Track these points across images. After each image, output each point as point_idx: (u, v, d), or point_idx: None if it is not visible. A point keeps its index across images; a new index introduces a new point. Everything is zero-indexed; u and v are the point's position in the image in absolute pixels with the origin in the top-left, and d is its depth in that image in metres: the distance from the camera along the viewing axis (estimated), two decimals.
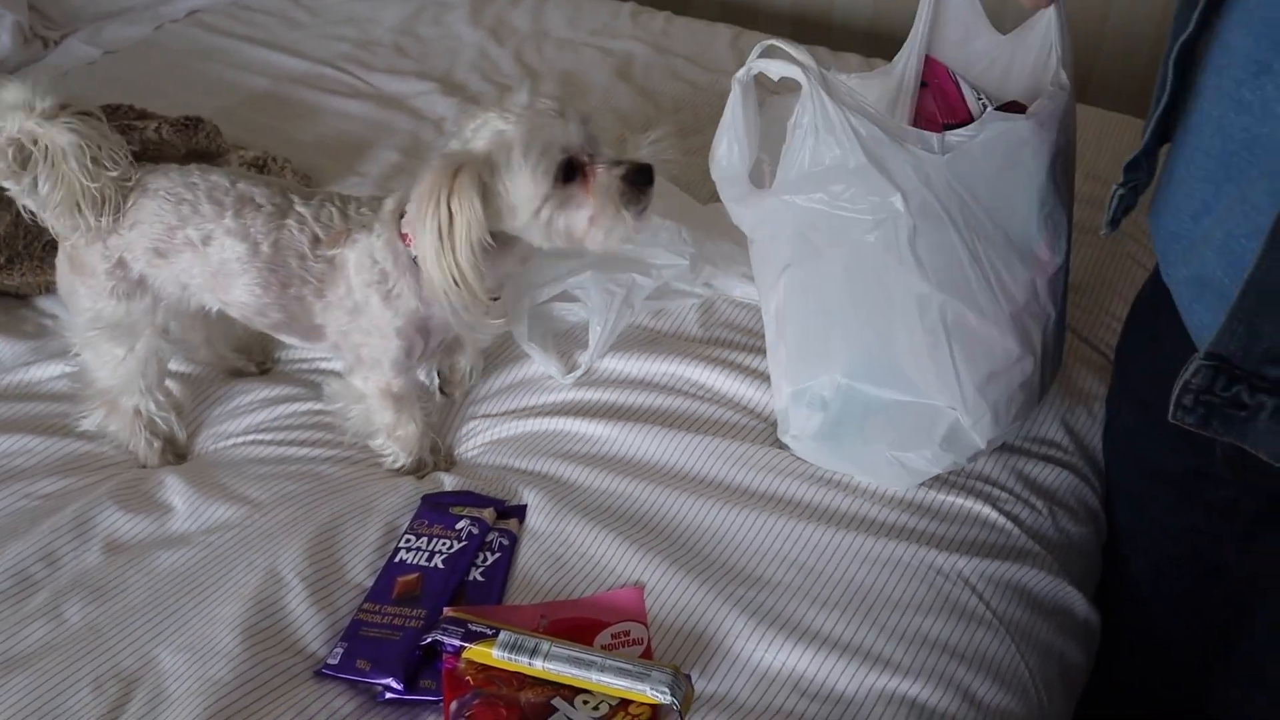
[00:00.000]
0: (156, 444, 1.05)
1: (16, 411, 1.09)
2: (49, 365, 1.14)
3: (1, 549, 0.93)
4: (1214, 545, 0.85)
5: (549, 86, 1.71)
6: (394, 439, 1.02)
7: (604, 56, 1.79)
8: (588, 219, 0.91)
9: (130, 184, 0.97)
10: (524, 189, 0.88)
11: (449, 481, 1.01)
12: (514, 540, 0.93)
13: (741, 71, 0.90)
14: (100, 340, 1.01)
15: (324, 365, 1.16)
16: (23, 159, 0.91)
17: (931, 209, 0.82)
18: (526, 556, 0.93)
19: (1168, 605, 0.95)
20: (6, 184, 0.93)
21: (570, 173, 0.90)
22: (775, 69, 0.85)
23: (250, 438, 1.08)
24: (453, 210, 0.86)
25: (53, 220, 0.94)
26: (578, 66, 1.76)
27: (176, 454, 1.07)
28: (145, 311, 1.00)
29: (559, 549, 0.93)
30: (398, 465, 1.03)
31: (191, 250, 0.96)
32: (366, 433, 1.04)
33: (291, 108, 1.65)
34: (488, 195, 0.88)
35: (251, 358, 1.16)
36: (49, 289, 1.26)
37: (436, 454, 1.06)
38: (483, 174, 0.88)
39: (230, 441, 1.08)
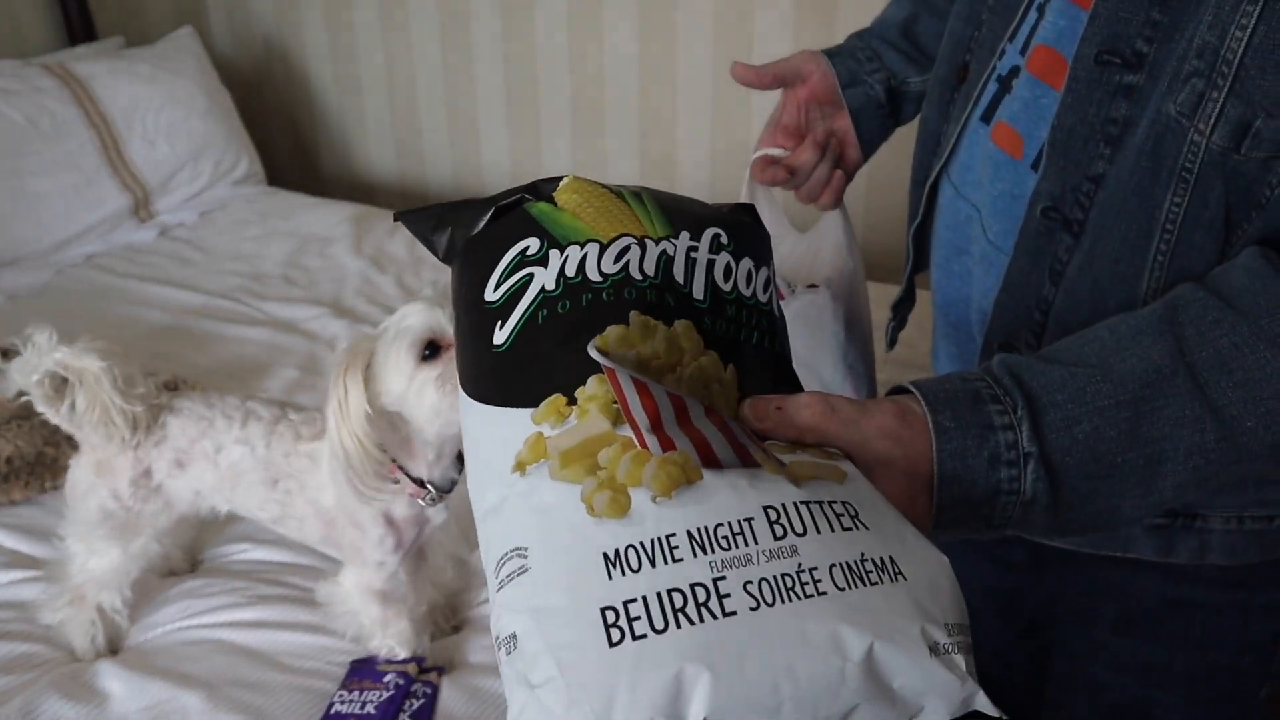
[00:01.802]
0: (101, 639, 1.14)
1: None
2: None
3: None
4: (1020, 600, 0.98)
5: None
6: (389, 636, 1.10)
7: None
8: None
9: (161, 404, 1.11)
10: (392, 366, 0.99)
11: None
12: (436, 689, 1.06)
13: None
14: (100, 537, 1.12)
15: (257, 557, 1.28)
16: (56, 386, 1.05)
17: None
18: (448, 700, 1.05)
19: (993, 659, 1.07)
20: (45, 410, 1.06)
21: (434, 353, 0.98)
22: None
23: (178, 624, 1.18)
24: (346, 385, 0.98)
25: (89, 434, 1.07)
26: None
27: (111, 649, 1.16)
28: (153, 515, 1.12)
29: (477, 692, 1.06)
30: (402, 654, 1.10)
31: (205, 459, 1.09)
32: (361, 635, 1.10)
33: (192, 337, 1.81)
34: (372, 373, 0.99)
35: (187, 555, 1.28)
36: None
37: (446, 622, 1.15)
38: (372, 354, 0.99)
39: (159, 631, 1.18)
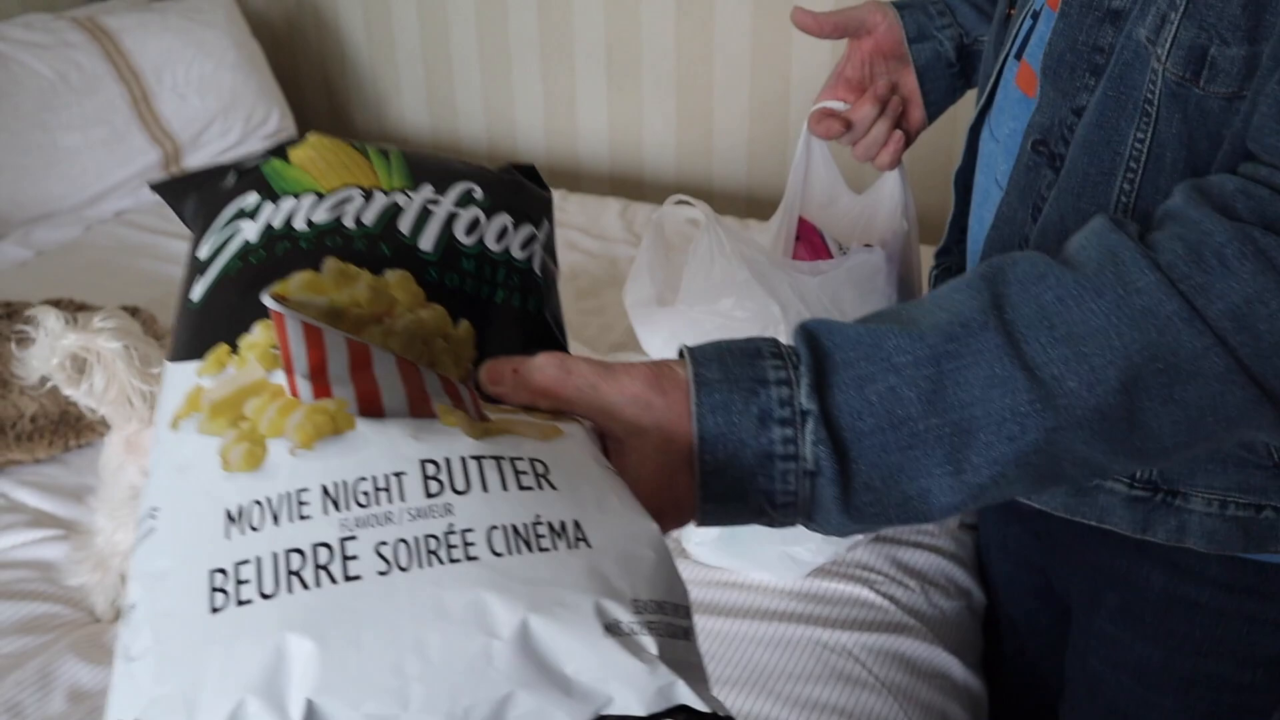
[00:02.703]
0: (122, 603, 1.13)
1: None
2: (1, 538, 1.22)
3: None
4: (1048, 578, 0.96)
5: None
6: None
7: None
8: None
9: None
10: None
11: None
12: None
13: (656, 214, 1.08)
14: (129, 513, 1.10)
15: None
16: (78, 365, 1.03)
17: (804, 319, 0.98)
18: None
19: (1039, 653, 1.07)
20: (70, 391, 1.04)
21: None
22: (682, 213, 1.03)
23: None
24: None
25: (109, 412, 1.06)
26: None
27: None
28: None
29: None
30: None
31: None
32: None
33: None
34: None
35: None
36: None
37: None
38: None
39: None
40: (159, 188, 0.56)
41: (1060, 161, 0.68)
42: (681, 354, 0.49)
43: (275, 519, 0.38)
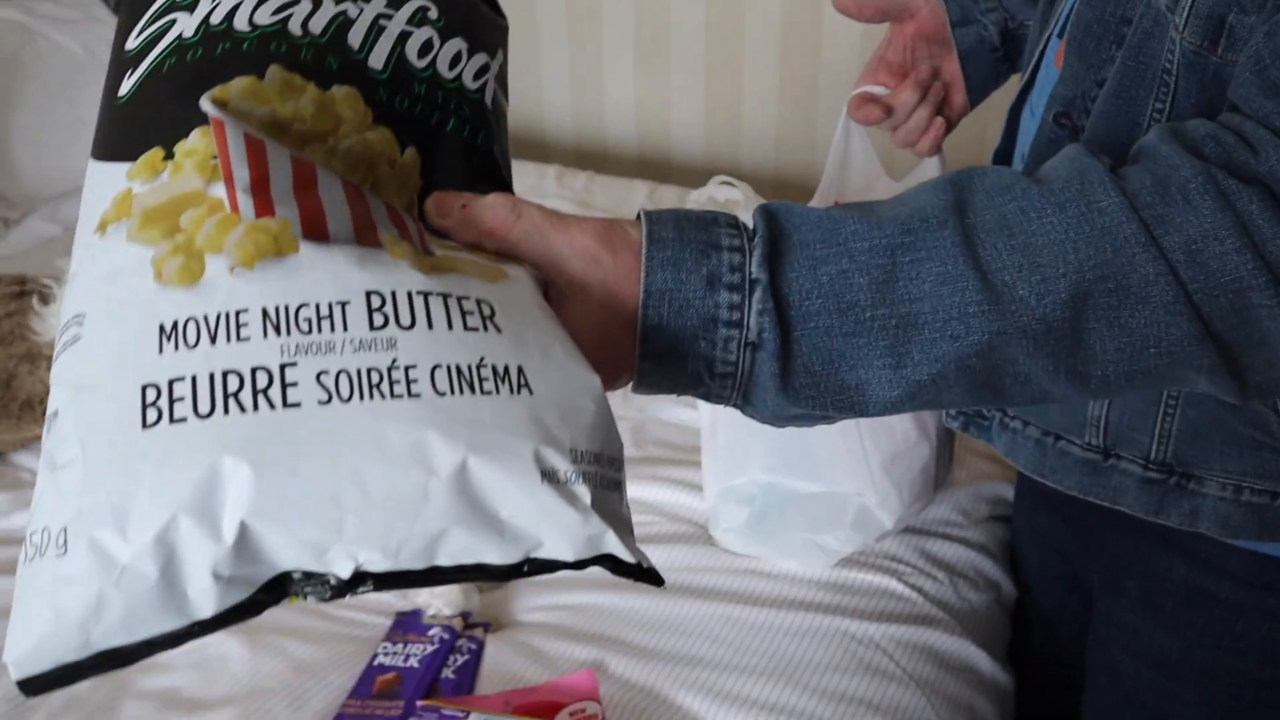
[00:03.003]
0: None
1: (2, 556, 1.16)
2: (27, 514, 1.22)
3: None
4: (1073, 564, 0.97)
5: None
6: (436, 596, 1.06)
7: None
8: None
9: None
10: None
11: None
12: (481, 645, 1.03)
13: (696, 193, 1.06)
14: None
15: None
16: None
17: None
18: (493, 656, 1.02)
19: (1067, 643, 1.06)
20: None
21: None
22: (722, 193, 1.02)
23: None
24: None
25: None
26: None
27: None
28: None
29: (522, 649, 1.03)
30: (449, 612, 1.06)
31: None
32: (408, 593, 1.07)
33: None
34: None
35: None
36: (24, 445, 1.35)
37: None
38: None
39: None
40: None
41: (1081, 134, 0.67)
42: (638, 215, 0.48)
43: (212, 338, 0.37)
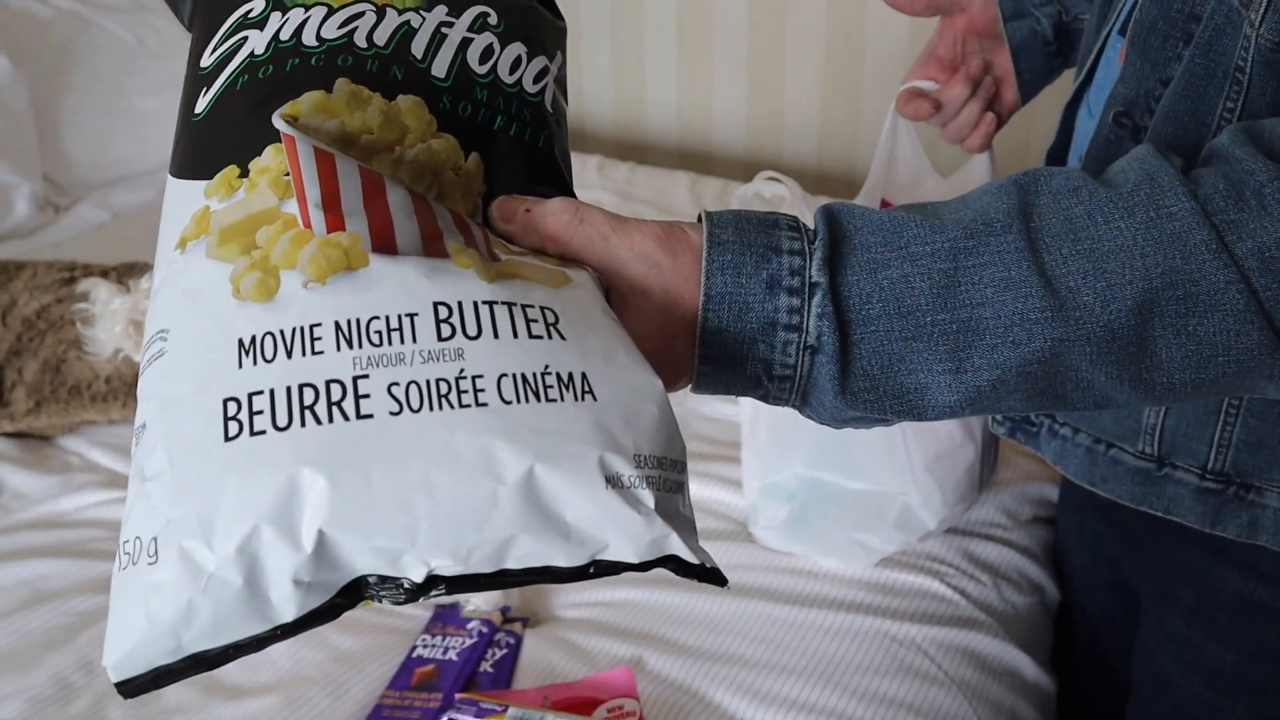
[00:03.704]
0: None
1: (49, 539, 1.18)
2: (75, 497, 1.24)
3: (44, 659, 1.01)
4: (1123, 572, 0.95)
5: None
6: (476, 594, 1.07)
7: None
8: None
9: None
10: None
11: None
12: (519, 639, 1.03)
13: (742, 190, 1.05)
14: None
15: None
16: (140, 329, 1.05)
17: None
18: (531, 651, 1.02)
19: (1112, 650, 1.05)
20: (138, 356, 1.06)
21: None
22: (769, 189, 1.01)
23: None
24: None
25: None
26: None
27: None
28: None
29: (560, 644, 1.03)
30: (487, 607, 1.06)
31: None
32: None
33: None
34: None
35: None
36: (72, 430, 1.37)
37: None
38: None
39: None
40: None
41: (1143, 135, 0.66)
42: (700, 217, 0.48)
43: (288, 352, 0.38)
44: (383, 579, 0.37)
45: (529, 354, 0.40)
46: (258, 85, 0.46)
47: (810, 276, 0.46)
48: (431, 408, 0.38)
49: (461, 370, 0.39)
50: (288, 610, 0.37)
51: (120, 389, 1.39)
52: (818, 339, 0.46)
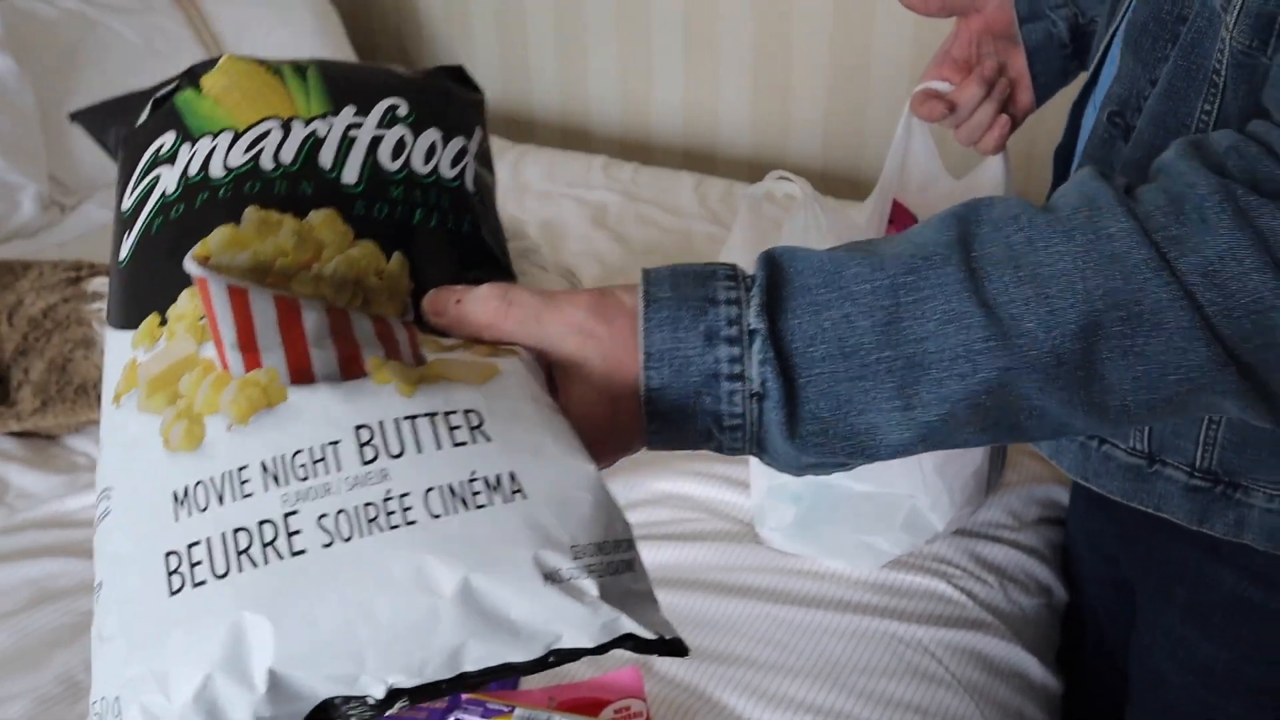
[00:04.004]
0: None
1: (56, 538, 1.18)
2: (81, 497, 1.24)
3: (51, 658, 1.01)
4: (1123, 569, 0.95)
5: (530, 234, 1.87)
6: None
7: (579, 206, 1.96)
8: None
9: None
10: None
11: None
12: None
13: (753, 189, 1.06)
14: None
15: None
16: None
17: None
18: None
19: (1117, 649, 1.04)
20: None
21: None
22: (780, 188, 1.01)
23: None
24: None
25: None
26: (556, 216, 1.93)
27: None
28: None
29: None
30: None
31: None
32: None
33: None
34: None
35: None
36: (78, 429, 1.37)
37: None
38: None
39: None
40: (78, 117, 0.54)
41: (1133, 133, 0.66)
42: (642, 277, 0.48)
43: (220, 499, 0.39)
44: (347, 698, 0.38)
45: (454, 463, 0.40)
46: (171, 227, 0.46)
47: (748, 324, 0.46)
48: (362, 534, 0.38)
49: (388, 491, 0.39)
50: None
51: None
52: (762, 385, 0.46)
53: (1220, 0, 0.58)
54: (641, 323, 0.46)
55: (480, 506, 0.39)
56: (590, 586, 0.39)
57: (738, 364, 0.46)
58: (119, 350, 0.45)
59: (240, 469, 0.39)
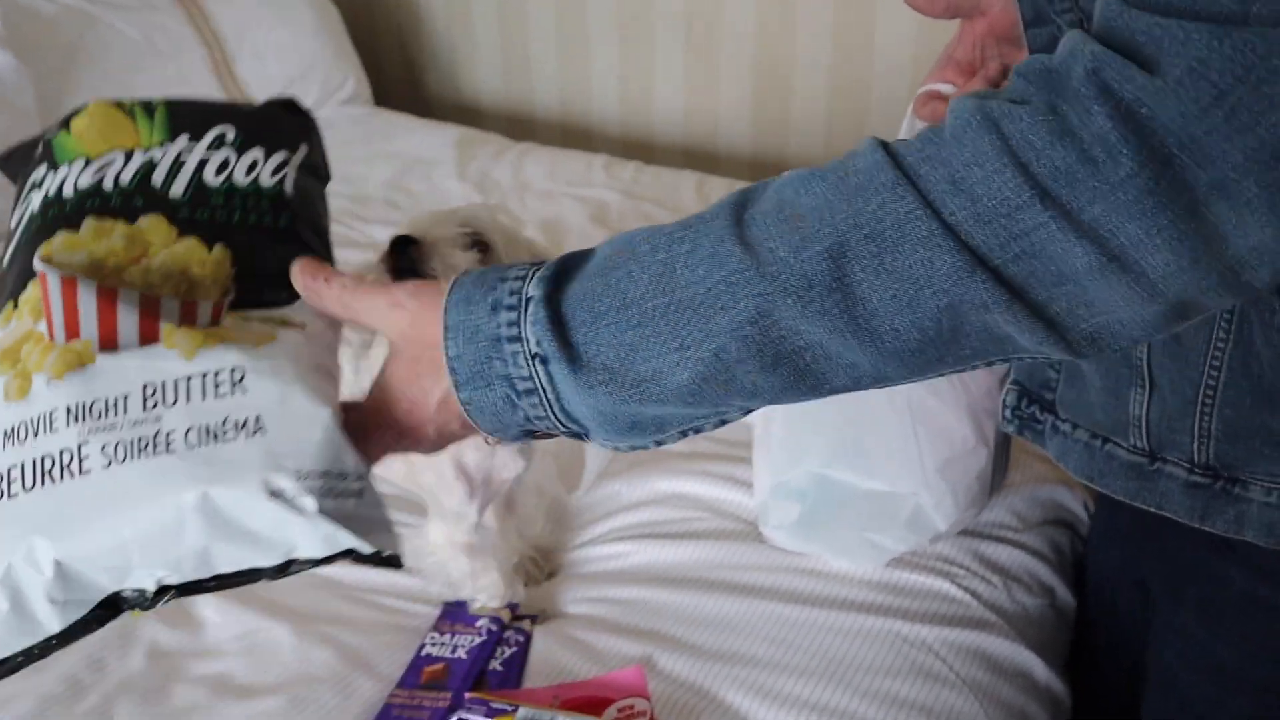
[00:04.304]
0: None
1: None
2: None
3: (52, 658, 1.00)
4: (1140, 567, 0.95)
5: (531, 233, 1.87)
6: (479, 590, 1.06)
7: (581, 205, 1.96)
8: None
9: None
10: None
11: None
12: (528, 637, 1.03)
13: None
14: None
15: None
16: None
17: None
18: (540, 649, 1.02)
19: (1137, 648, 1.04)
20: None
21: None
22: None
23: None
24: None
25: None
26: (558, 214, 1.93)
27: None
28: None
29: (569, 642, 1.02)
30: (494, 605, 1.07)
31: None
32: (450, 585, 1.07)
33: None
34: None
35: None
36: None
37: (539, 570, 1.13)
38: None
39: None
40: (2, 165, 0.66)
41: None
42: None
43: (35, 434, 0.52)
44: (134, 591, 0.49)
45: (213, 410, 0.52)
46: (31, 235, 0.59)
47: (526, 293, 0.52)
48: (133, 458, 0.50)
49: (158, 430, 0.51)
50: (53, 624, 0.49)
51: None
52: (538, 344, 0.52)
53: None
54: (444, 301, 0.54)
55: (227, 440, 0.51)
56: (309, 504, 0.50)
57: (514, 326, 0.52)
58: None
59: (51, 412, 0.52)
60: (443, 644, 1.00)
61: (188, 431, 0.51)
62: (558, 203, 1.98)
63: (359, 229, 1.89)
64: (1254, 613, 0.78)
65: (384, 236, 1.82)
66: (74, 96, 2.00)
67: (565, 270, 0.53)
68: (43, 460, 0.51)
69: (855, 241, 0.48)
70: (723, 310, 0.49)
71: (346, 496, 0.51)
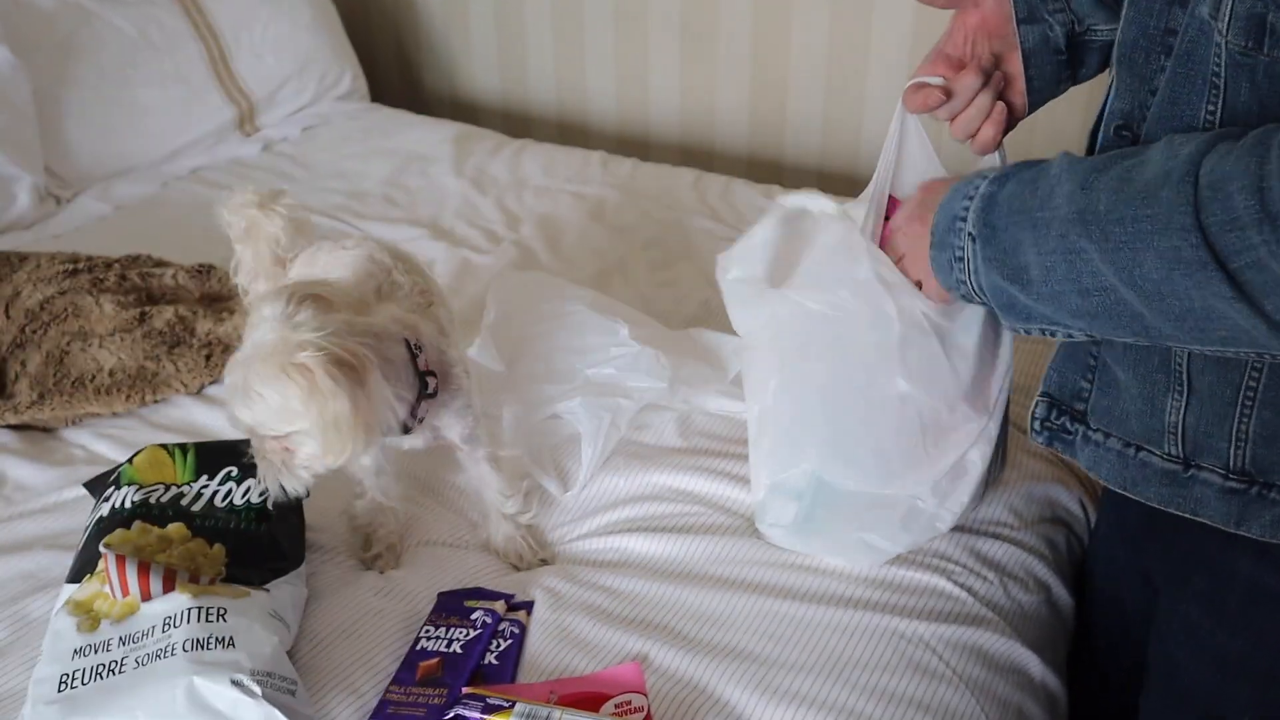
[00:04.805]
0: None
1: (53, 531, 1.17)
2: (78, 489, 1.23)
3: None
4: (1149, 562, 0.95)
5: (528, 229, 1.86)
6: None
7: (578, 201, 1.96)
8: None
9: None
10: None
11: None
12: (523, 629, 1.03)
13: (788, 200, 1.06)
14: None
15: None
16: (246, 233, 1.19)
17: (918, 323, 0.95)
18: (535, 642, 1.02)
19: (1142, 640, 1.04)
20: (238, 246, 1.21)
21: None
22: (814, 204, 1.02)
23: None
24: None
25: (243, 280, 1.22)
26: (555, 211, 1.93)
27: None
28: None
29: (564, 635, 1.02)
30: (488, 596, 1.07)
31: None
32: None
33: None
34: None
35: None
36: (75, 422, 1.36)
37: (531, 553, 1.15)
38: None
39: None
40: (90, 486, 1.12)
41: (1139, 143, 0.71)
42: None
43: (96, 652, 0.88)
44: None
45: (204, 630, 0.88)
46: (99, 531, 0.99)
47: (979, 188, 0.77)
48: (152, 661, 0.86)
49: (170, 642, 0.87)
50: None
51: (124, 382, 1.38)
52: (971, 225, 0.76)
53: (1208, 10, 0.62)
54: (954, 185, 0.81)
55: (211, 649, 0.86)
56: (256, 688, 0.84)
57: (965, 209, 0.77)
58: (64, 593, 0.95)
59: (108, 640, 0.89)
60: (437, 638, 1.00)
61: (185, 641, 0.86)
62: (555, 199, 1.97)
63: (356, 225, 1.88)
64: (1259, 602, 0.79)
65: (381, 233, 1.83)
66: (70, 91, 2.00)
67: (1009, 176, 0.73)
68: (97, 668, 0.86)
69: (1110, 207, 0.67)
70: (1065, 224, 0.68)
71: (285, 692, 0.86)
